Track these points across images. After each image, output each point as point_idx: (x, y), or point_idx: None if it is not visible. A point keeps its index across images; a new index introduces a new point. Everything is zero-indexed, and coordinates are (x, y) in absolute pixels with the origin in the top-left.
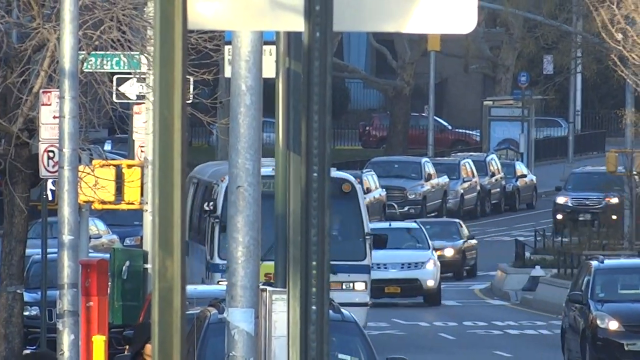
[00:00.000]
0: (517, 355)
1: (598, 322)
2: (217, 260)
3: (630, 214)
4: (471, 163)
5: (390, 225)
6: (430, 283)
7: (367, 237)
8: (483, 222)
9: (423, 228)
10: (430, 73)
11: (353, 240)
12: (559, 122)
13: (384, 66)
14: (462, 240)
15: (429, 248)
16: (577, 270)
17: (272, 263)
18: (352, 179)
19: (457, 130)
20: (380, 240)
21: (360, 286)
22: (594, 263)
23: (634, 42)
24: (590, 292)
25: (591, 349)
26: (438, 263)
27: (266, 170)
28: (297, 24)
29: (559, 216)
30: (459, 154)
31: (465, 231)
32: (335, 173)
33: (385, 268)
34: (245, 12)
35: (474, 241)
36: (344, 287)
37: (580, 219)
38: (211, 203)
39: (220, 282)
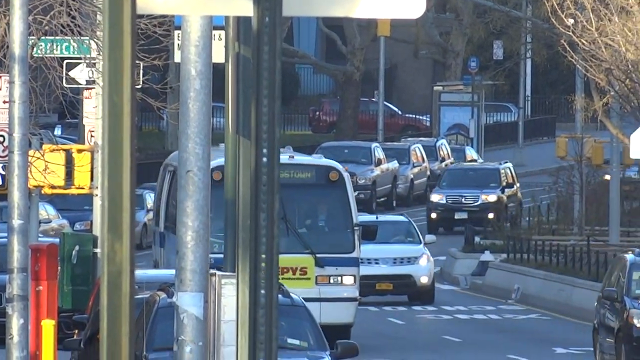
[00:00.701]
0: (466, 339)
1: (635, 320)
2: None
3: (579, 199)
4: (421, 148)
5: (377, 218)
6: (424, 280)
7: (355, 228)
8: None
9: (412, 221)
10: (380, 58)
11: (341, 232)
12: (509, 108)
13: (334, 52)
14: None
15: (421, 242)
16: (610, 266)
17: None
18: (339, 166)
19: (407, 115)
20: (370, 232)
21: (348, 280)
22: (629, 256)
23: (584, 28)
24: (625, 289)
25: (627, 350)
26: (432, 258)
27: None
28: (246, 8)
29: (433, 215)
30: (409, 139)
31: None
32: (321, 160)
33: (377, 263)
34: None
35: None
36: (331, 281)
37: (456, 217)
38: None
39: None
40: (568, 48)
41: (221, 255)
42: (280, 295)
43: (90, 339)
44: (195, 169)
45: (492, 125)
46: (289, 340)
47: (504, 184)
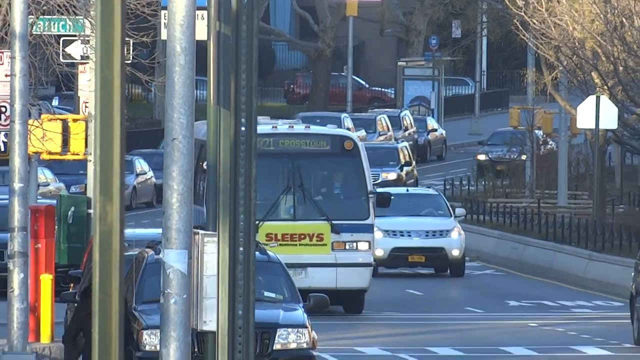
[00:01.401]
0: (427, 294)
1: None
2: None
3: (530, 165)
4: (386, 118)
5: (407, 190)
6: (456, 252)
7: (370, 195)
8: None
9: (442, 194)
10: (348, 36)
11: (356, 199)
12: (466, 82)
13: (307, 30)
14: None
15: (451, 215)
16: None
17: (273, 223)
18: (354, 136)
19: (373, 88)
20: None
21: (363, 246)
22: None
23: (535, 9)
24: None
25: None
26: (462, 232)
27: (264, 129)
28: None
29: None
30: (375, 110)
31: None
32: (336, 130)
33: (409, 235)
34: None
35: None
36: (347, 247)
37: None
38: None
39: None
40: (520, 27)
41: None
42: (257, 253)
43: (85, 292)
44: (180, 137)
45: (451, 97)
46: (266, 294)
47: (403, 162)
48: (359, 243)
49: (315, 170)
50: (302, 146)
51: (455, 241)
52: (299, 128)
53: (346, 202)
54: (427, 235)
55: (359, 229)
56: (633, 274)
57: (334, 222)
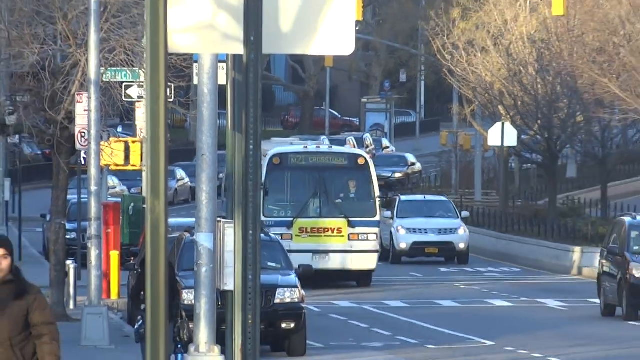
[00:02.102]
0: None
1: (634, 272)
2: (262, 218)
3: (455, 171)
4: (354, 139)
5: (424, 197)
6: (462, 246)
7: (377, 199)
8: None
9: (451, 200)
10: (326, 81)
11: (366, 202)
12: (409, 113)
13: (297, 77)
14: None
15: (458, 217)
16: (610, 226)
17: (304, 220)
18: (365, 154)
19: (344, 118)
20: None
21: (372, 237)
22: (627, 219)
23: (458, 61)
24: (627, 245)
25: (627, 294)
26: (467, 230)
27: (297, 148)
28: (239, 49)
29: None
30: (345, 133)
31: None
32: (352, 150)
33: (426, 232)
34: (206, 41)
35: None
36: (359, 238)
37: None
38: None
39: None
40: (448, 74)
41: (277, 219)
42: (262, 235)
43: (143, 262)
44: (207, 154)
45: (399, 124)
46: (268, 264)
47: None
48: (368, 235)
49: (335, 179)
50: (326, 161)
51: (461, 237)
52: (324, 148)
53: (359, 204)
54: (439, 232)
55: (369, 224)
56: (599, 258)
57: (350, 219)
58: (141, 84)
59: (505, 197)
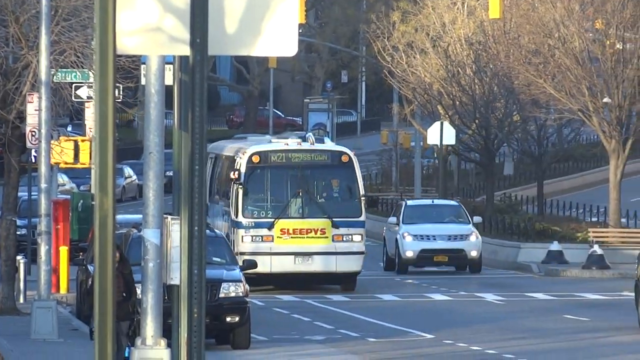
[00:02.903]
0: None
1: None
2: (240, 219)
3: (395, 169)
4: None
5: (433, 202)
6: (474, 253)
7: (362, 198)
8: None
9: (462, 205)
10: (270, 82)
11: (351, 201)
12: (351, 112)
13: (242, 77)
14: None
15: (470, 222)
16: None
17: (286, 220)
18: (349, 151)
19: (287, 117)
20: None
21: (357, 238)
22: None
23: (398, 62)
24: None
25: None
26: (479, 236)
27: (278, 146)
28: (185, 50)
29: None
30: (289, 132)
31: None
32: (335, 146)
33: (434, 239)
34: (154, 43)
35: None
36: (344, 239)
37: None
38: (236, 172)
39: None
40: (388, 75)
41: (258, 220)
42: (207, 230)
43: (90, 259)
44: (154, 152)
45: (341, 123)
46: (214, 259)
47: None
48: (353, 236)
49: (318, 178)
50: (308, 159)
51: (473, 244)
52: (306, 145)
53: (343, 203)
54: (449, 239)
55: (354, 224)
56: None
57: (333, 219)
58: (90, 84)
59: (444, 194)
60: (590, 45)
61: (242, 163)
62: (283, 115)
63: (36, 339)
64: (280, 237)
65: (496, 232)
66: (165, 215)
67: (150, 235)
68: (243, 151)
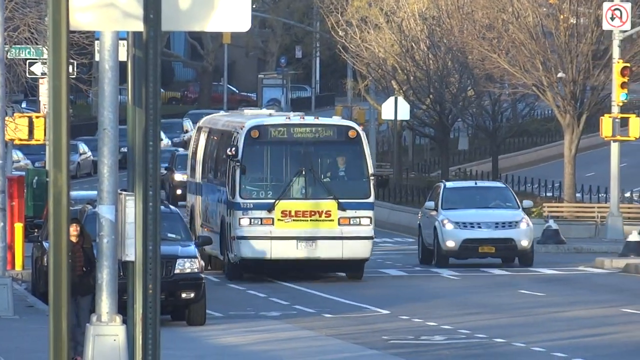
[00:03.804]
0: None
1: None
2: (237, 199)
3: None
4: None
5: (476, 184)
6: (525, 243)
7: (371, 177)
8: None
9: (509, 187)
10: (224, 57)
11: (358, 181)
12: (305, 88)
13: (196, 53)
14: None
15: (519, 207)
16: None
17: (287, 201)
18: (356, 126)
19: (242, 93)
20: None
21: (365, 221)
22: None
23: (352, 37)
24: None
25: None
26: (531, 224)
27: (279, 120)
28: (139, 26)
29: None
30: (243, 108)
31: None
32: (342, 121)
33: (479, 227)
34: (107, 19)
35: None
36: (351, 222)
37: None
38: (233, 148)
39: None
40: (342, 50)
41: (257, 201)
42: (162, 207)
43: (45, 235)
44: (109, 128)
45: (295, 98)
46: (168, 235)
47: None
48: (361, 219)
49: (323, 155)
50: (312, 134)
51: (524, 232)
52: (309, 119)
53: (350, 183)
54: (496, 227)
55: (362, 206)
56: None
57: (340, 200)
58: (45, 61)
59: (399, 169)
60: (544, 19)
61: (239, 138)
62: (237, 91)
63: None
64: (282, 220)
65: None
66: (120, 192)
67: (105, 211)
68: (241, 125)
